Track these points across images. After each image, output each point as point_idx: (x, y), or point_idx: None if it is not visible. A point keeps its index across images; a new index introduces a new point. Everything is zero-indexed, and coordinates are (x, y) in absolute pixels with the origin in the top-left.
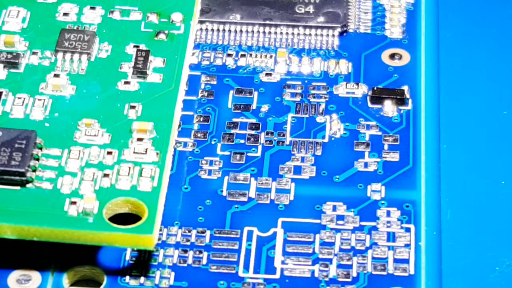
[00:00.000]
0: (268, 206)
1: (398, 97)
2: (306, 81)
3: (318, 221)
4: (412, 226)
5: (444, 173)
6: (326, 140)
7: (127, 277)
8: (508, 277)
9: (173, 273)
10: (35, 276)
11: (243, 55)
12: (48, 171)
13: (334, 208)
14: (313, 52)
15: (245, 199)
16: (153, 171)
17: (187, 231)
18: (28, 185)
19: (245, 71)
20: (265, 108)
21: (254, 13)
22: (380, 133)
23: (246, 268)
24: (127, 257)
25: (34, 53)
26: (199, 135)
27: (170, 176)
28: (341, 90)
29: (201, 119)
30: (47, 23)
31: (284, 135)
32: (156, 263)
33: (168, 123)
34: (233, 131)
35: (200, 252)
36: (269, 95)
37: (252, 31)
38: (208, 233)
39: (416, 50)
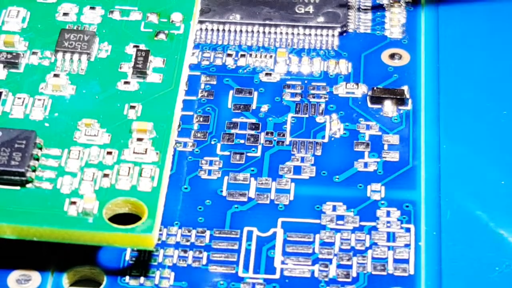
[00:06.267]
0: (268, 206)
1: (398, 97)
2: (306, 81)
3: (318, 221)
4: (412, 226)
5: (444, 173)
6: (326, 140)
7: (127, 277)
8: (507, 277)
9: (173, 273)
10: (35, 276)
11: (243, 55)
12: (48, 171)
13: (334, 208)
14: (313, 52)
15: (245, 199)
16: (153, 171)
17: (187, 231)
18: (28, 185)
19: (245, 71)
20: (265, 108)
21: (254, 13)
22: (380, 133)
23: (246, 268)
24: (127, 257)
25: (34, 53)
26: (199, 135)
27: (170, 176)
28: (341, 90)
29: (201, 119)
30: (47, 23)
31: (284, 135)
32: (156, 263)
33: (168, 123)
34: (233, 131)
35: (200, 252)
36: (269, 95)
37: (252, 31)
38: (208, 233)
39: (416, 50)
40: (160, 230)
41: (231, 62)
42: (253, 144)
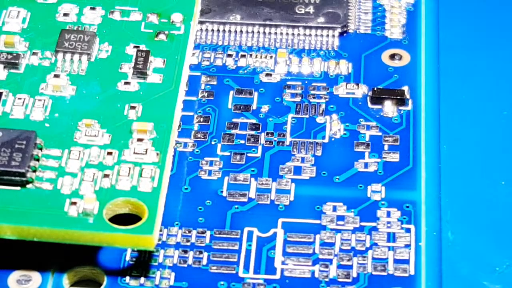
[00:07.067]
0: (268, 206)
1: (398, 97)
2: (306, 82)
3: (318, 221)
4: (412, 227)
5: (444, 173)
6: (326, 140)
7: (127, 278)
8: (508, 277)
9: (173, 274)
10: (35, 277)
11: (243, 56)
12: (48, 172)
13: (334, 209)
14: (313, 52)
15: (245, 199)
16: (153, 172)
17: (187, 232)
18: (28, 186)
19: (245, 71)
20: (265, 108)
21: (254, 14)
22: (380, 134)
23: (246, 268)
24: (127, 258)
25: (34, 53)
26: (199, 135)
27: (170, 176)
28: (341, 90)
29: (201, 119)
30: (47, 23)
31: (284, 135)
32: (156, 264)
33: (168, 123)
34: (233, 131)
35: (200, 252)
36: (269, 96)
37: (252, 32)
38: (208, 233)
39: (416, 50)
40: (161, 231)
41: (231, 62)
42: (254, 145)
